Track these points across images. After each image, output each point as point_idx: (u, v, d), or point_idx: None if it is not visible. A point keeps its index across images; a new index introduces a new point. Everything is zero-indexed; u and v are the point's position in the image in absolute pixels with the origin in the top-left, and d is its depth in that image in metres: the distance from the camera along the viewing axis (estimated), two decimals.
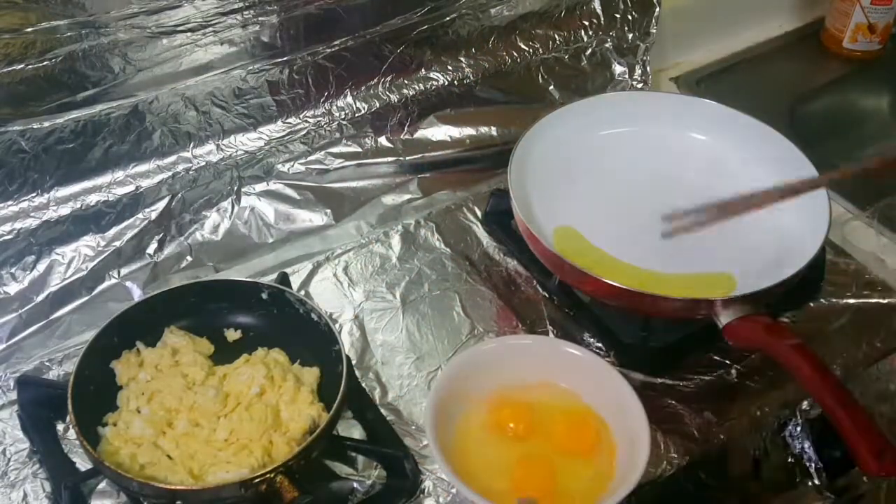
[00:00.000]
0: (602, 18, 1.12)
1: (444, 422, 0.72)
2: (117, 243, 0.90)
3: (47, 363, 0.85)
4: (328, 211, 0.98)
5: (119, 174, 0.90)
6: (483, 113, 1.07)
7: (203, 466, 0.73)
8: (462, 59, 1.05)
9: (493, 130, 1.07)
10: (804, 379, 0.73)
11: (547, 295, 0.92)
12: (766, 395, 0.83)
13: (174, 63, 0.88)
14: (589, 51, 1.12)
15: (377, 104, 1.01)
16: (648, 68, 1.16)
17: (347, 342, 0.86)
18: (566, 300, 0.90)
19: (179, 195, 0.93)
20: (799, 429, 0.84)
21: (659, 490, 0.77)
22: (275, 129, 0.97)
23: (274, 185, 0.97)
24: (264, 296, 0.83)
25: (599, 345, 0.87)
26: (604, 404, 0.75)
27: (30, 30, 0.79)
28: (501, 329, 0.89)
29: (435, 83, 1.04)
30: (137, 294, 0.90)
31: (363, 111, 1.01)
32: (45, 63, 0.81)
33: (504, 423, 0.75)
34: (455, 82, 1.05)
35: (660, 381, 0.84)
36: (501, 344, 0.81)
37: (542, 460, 0.72)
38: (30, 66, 0.81)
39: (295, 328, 0.82)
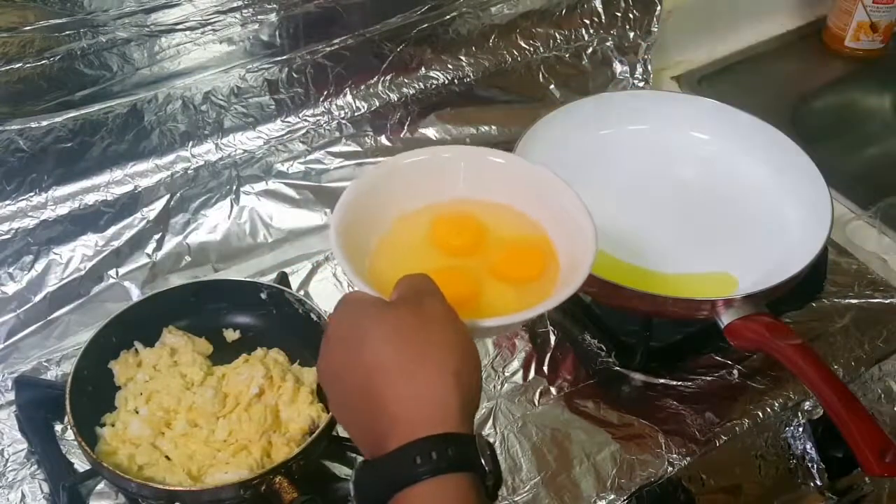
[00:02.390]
0: (603, 17, 1.12)
1: (368, 226, 0.67)
2: (116, 243, 0.90)
3: (45, 363, 0.84)
4: (328, 211, 0.98)
5: (117, 173, 0.89)
6: (483, 112, 1.07)
7: (202, 467, 0.72)
8: (462, 57, 1.05)
9: (494, 129, 1.07)
10: (806, 379, 0.72)
11: None
12: (767, 396, 0.83)
13: (173, 62, 0.88)
14: (590, 49, 1.12)
15: (377, 103, 1.01)
16: (650, 67, 1.15)
17: None
18: (567, 300, 0.90)
19: (178, 194, 0.92)
20: (801, 429, 0.83)
21: (660, 491, 0.77)
22: (274, 129, 0.96)
23: (273, 185, 0.97)
24: (263, 296, 0.83)
25: (600, 345, 0.87)
26: (561, 237, 0.68)
27: (28, 28, 0.79)
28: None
29: (435, 82, 1.04)
30: (136, 294, 0.89)
31: (363, 110, 1.00)
32: (43, 62, 0.81)
33: (443, 236, 0.69)
34: (455, 81, 1.05)
35: (661, 381, 0.84)
36: (458, 154, 0.73)
37: (465, 274, 0.66)
38: (28, 65, 0.80)
39: (294, 328, 0.81)
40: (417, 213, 0.69)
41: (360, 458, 0.75)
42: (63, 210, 0.87)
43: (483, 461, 0.49)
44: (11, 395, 0.80)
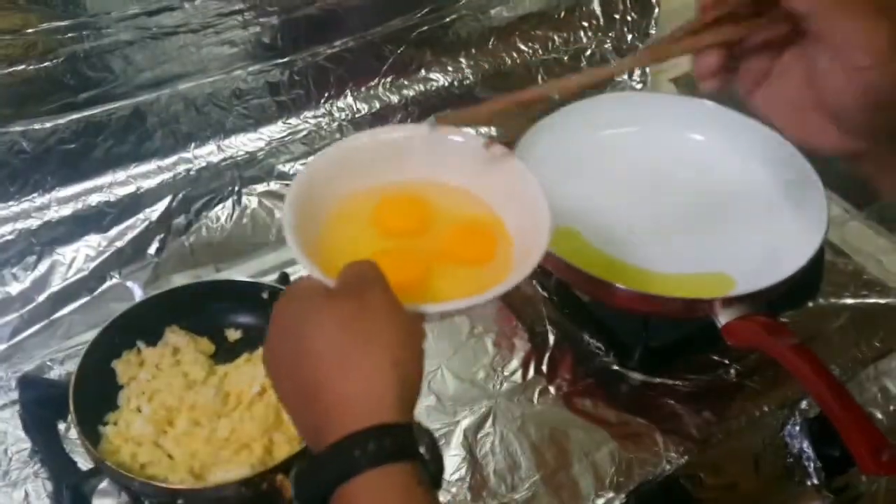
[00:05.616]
0: (601, 19, 1.12)
1: (320, 205, 0.65)
2: (118, 243, 0.90)
3: (49, 363, 0.85)
4: None
5: (120, 174, 0.90)
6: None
7: (204, 466, 0.73)
8: (462, 59, 1.05)
9: (493, 131, 1.07)
10: (803, 379, 0.73)
11: (546, 295, 0.92)
12: (764, 395, 0.83)
13: (175, 64, 0.88)
14: (588, 52, 1.13)
15: (377, 105, 1.01)
16: (647, 69, 1.15)
17: None
18: (565, 300, 0.90)
19: (180, 195, 0.93)
20: (798, 428, 0.84)
21: (658, 489, 0.78)
22: (275, 130, 0.97)
23: (275, 186, 0.97)
24: (265, 295, 0.83)
25: (598, 344, 0.87)
26: (517, 221, 0.66)
27: (31, 31, 0.79)
28: (501, 328, 0.89)
29: (435, 84, 1.04)
30: (138, 294, 0.90)
31: (363, 112, 1.01)
32: (46, 64, 0.82)
33: (388, 217, 0.66)
34: (455, 83, 1.05)
35: (659, 380, 0.85)
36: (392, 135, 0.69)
37: (414, 256, 0.64)
38: (31, 67, 0.81)
39: None
40: (368, 192, 0.67)
41: None
42: (66, 211, 0.88)
43: (424, 449, 0.49)
44: (15, 395, 0.81)
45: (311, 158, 0.67)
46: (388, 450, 0.47)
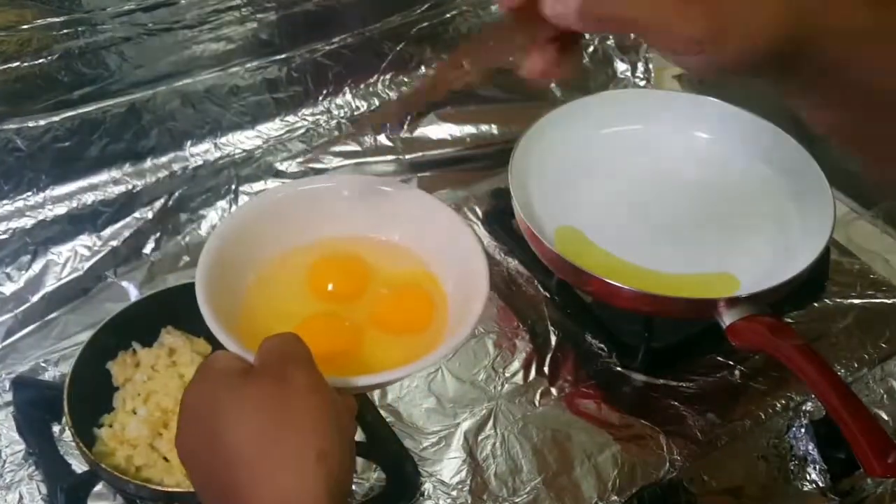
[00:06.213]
0: None
1: (242, 265, 0.62)
2: (114, 243, 0.89)
3: (43, 364, 0.84)
4: None
5: (115, 173, 0.89)
6: (484, 111, 1.07)
7: None
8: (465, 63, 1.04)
9: (494, 129, 1.06)
10: (808, 380, 0.72)
11: (548, 295, 0.91)
12: (769, 397, 0.83)
13: (171, 61, 0.88)
14: (591, 48, 1.12)
15: (376, 102, 1.01)
16: (651, 66, 1.15)
17: None
18: (567, 300, 0.90)
19: (177, 194, 0.92)
20: (803, 430, 0.83)
21: (662, 492, 0.77)
22: (273, 128, 0.96)
23: (272, 184, 0.96)
24: None
25: (601, 345, 0.87)
26: (453, 280, 0.63)
27: (25, 27, 0.79)
28: (502, 329, 0.88)
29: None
30: (134, 294, 0.89)
31: (362, 109, 1.00)
32: (40, 61, 0.81)
33: (321, 280, 0.63)
34: (455, 80, 1.04)
35: (662, 382, 0.84)
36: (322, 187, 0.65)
37: (345, 323, 0.60)
38: (25, 64, 0.80)
39: None
40: (295, 252, 0.63)
41: (358, 460, 0.76)
42: (61, 210, 0.87)
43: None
44: (9, 396, 0.80)
45: (225, 216, 0.63)
46: None
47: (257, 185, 0.96)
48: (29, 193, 0.86)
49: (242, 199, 0.95)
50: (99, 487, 0.74)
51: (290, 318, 0.56)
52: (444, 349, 0.56)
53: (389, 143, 1.02)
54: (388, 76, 1.01)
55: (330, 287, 0.62)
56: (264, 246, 0.63)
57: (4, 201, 0.85)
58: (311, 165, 0.98)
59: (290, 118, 0.97)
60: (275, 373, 0.48)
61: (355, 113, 0.99)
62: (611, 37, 1.12)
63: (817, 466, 0.83)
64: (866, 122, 0.51)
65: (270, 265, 0.63)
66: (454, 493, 0.75)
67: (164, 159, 0.91)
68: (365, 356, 0.59)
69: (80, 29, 0.81)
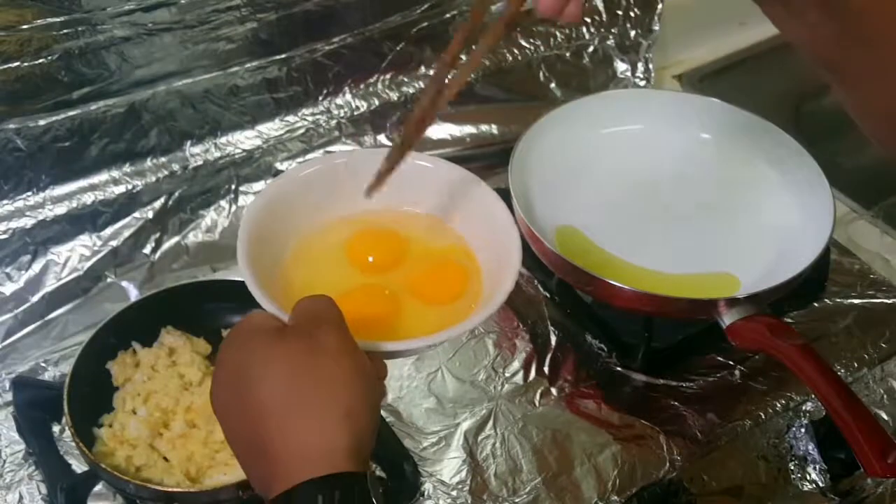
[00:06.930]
0: (604, 15, 1.11)
1: (284, 234, 0.63)
2: (114, 243, 0.89)
3: (43, 364, 0.84)
4: None
5: (115, 173, 0.89)
6: (484, 111, 1.07)
7: (200, 468, 0.72)
8: (462, 56, 1.04)
9: (494, 128, 1.06)
10: (808, 380, 0.72)
11: (548, 295, 0.91)
12: (769, 397, 0.83)
13: (171, 61, 0.87)
14: (591, 48, 1.12)
15: (376, 102, 1.01)
16: (651, 66, 1.15)
17: None
18: (568, 300, 0.90)
19: (176, 194, 0.92)
20: (803, 430, 0.83)
21: (662, 492, 0.77)
22: (273, 128, 0.96)
23: None
24: None
25: (601, 345, 0.87)
26: (486, 253, 0.64)
27: (25, 27, 0.78)
28: (502, 329, 0.88)
29: None
30: (134, 294, 0.89)
31: (362, 109, 1.00)
32: (40, 61, 0.81)
33: (360, 252, 0.65)
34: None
35: (662, 382, 0.84)
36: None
37: (382, 292, 0.62)
38: (25, 64, 0.80)
39: None
40: (336, 223, 0.65)
41: None
42: (61, 209, 0.87)
43: (375, 499, 0.47)
44: (9, 396, 0.80)
45: (268, 183, 0.64)
46: (337, 502, 0.45)
47: (257, 185, 0.96)
48: (29, 193, 0.85)
49: (242, 199, 0.95)
50: (99, 487, 0.74)
51: (328, 287, 0.57)
52: (476, 318, 0.58)
53: (389, 143, 1.01)
54: (388, 76, 1.01)
55: (370, 259, 0.64)
56: (308, 213, 0.65)
57: (4, 201, 0.85)
58: None
59: (290, 118, 0.97)
60: (307, 332, 0.50)
61: (355, 113, 0.99)
62: (611, 37, 1.12)
63: (817, 466, 0.83)
64: (841, 40, 0.52)
65: (307, 237, 0.65)
66: (454, 493, 0.75)
67: (163, 159, 0.91)
68: (401, 324, 0.61)
69: (80, 29, 0.81)
